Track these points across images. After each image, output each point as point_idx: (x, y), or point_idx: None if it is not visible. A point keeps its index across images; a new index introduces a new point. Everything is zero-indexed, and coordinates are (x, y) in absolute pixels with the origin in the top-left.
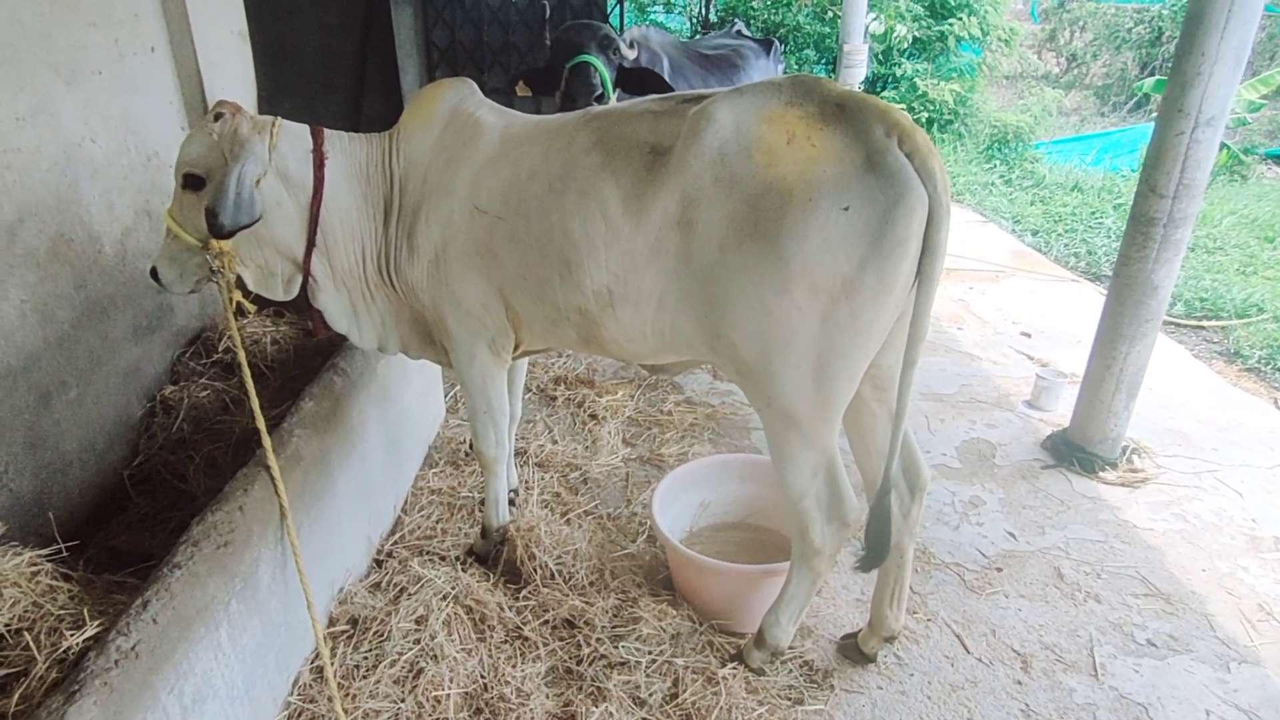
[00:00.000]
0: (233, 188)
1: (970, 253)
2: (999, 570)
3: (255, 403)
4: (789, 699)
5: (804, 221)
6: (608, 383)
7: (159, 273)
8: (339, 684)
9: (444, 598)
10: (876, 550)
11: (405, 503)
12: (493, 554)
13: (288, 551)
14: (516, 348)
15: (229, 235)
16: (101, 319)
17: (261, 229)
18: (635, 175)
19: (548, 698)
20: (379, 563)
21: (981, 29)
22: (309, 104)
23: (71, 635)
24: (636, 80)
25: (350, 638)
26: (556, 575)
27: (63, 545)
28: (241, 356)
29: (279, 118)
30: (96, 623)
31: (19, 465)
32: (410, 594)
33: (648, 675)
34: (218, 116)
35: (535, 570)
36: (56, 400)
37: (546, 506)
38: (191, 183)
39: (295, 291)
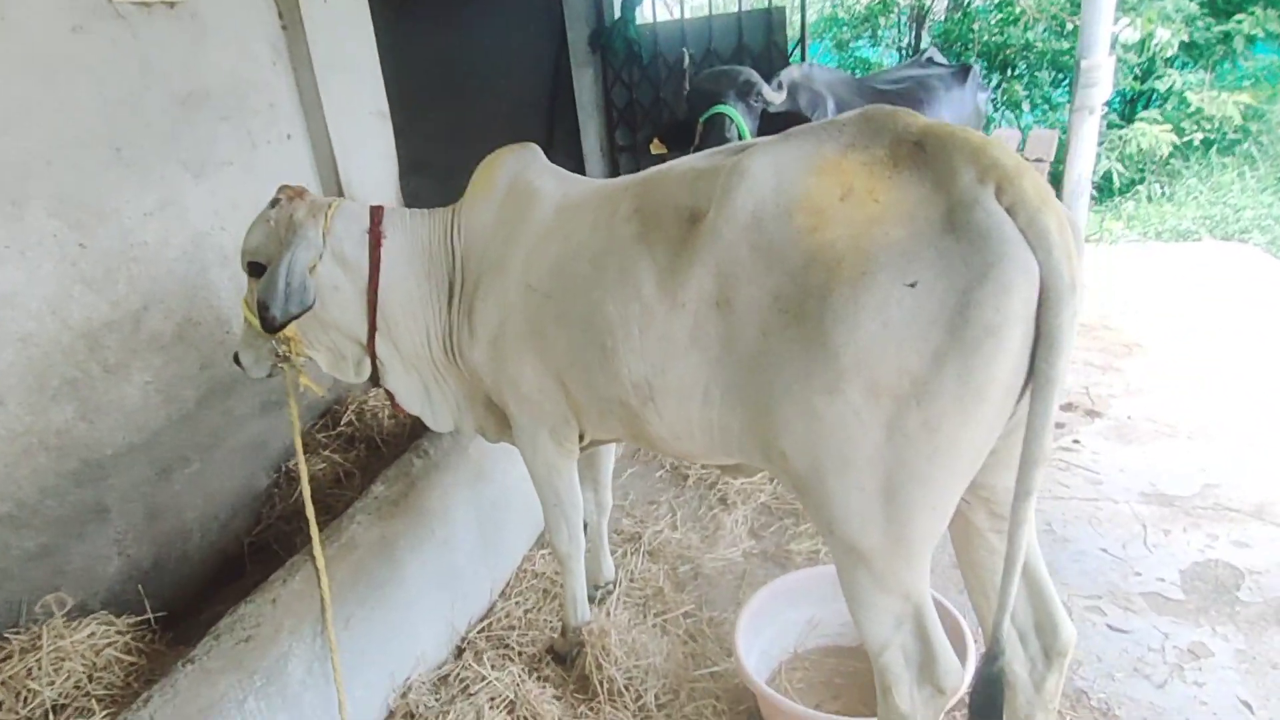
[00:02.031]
0: (283, 278)
1: (1252, 301)
2: None
3: (306, 490)
4: None
5: (855, 302)
6: None
7: (240, 358)
8: None
9: (498, 703)
10: None
11: (507, 586)
12: (571, 655)
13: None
14: (582, 437)
15: (281, 326)
16: (226, 396)
17: (322, 313)
18: (670, 247)
19: None
20: (460, 651)
21: None
22: None
23: None
24: (784, 126)
25: None
26: (625, 691)
27: (152, 615)
28: (298, 443)
29: (340, 198)
30: (106, 713)
31: (137, 534)
32: (470, 694)
33: None
34: (274, 202)
35: (602, 683)
36: (177, 473)
37: (641, 605)
38: (255, 270)
39: (367, 374)
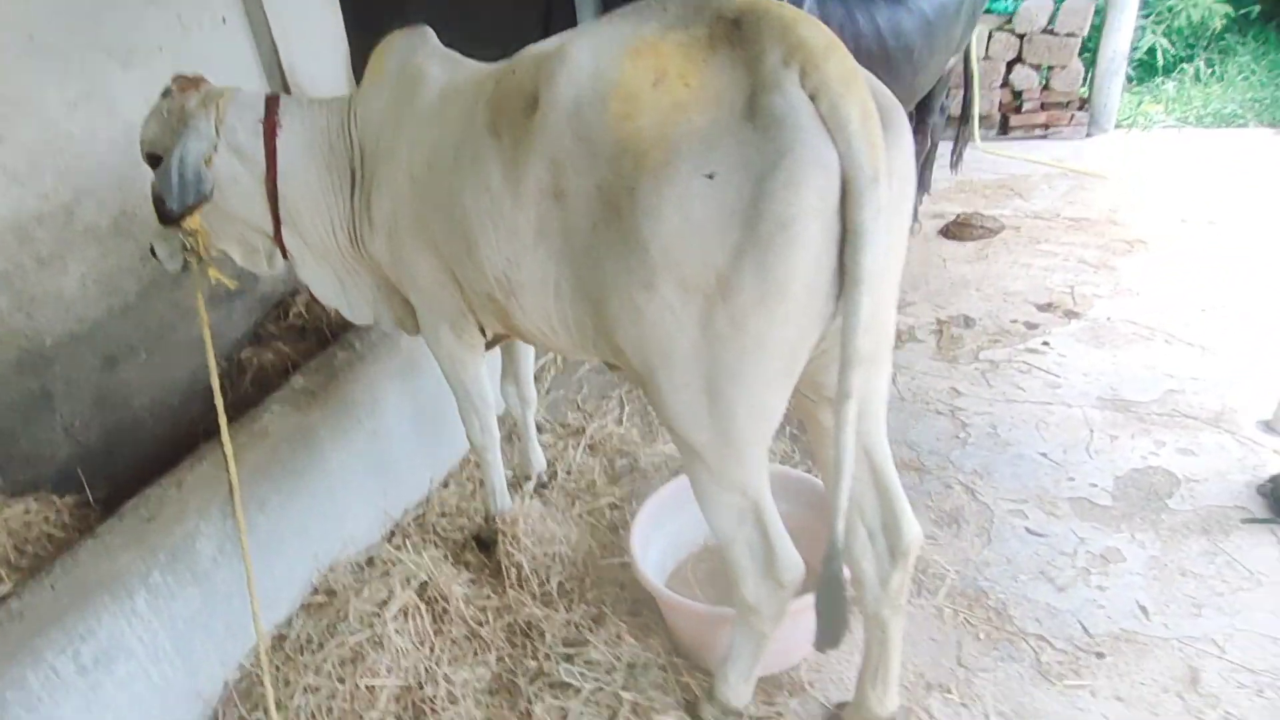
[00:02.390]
0: (175, 170)
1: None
2: (1099, 657)
3: (215, 381)
4: None
5: (659, 194)
6: None
7: (155, 250)
8: (289, 655)
9: (411, 583)
10: (828, 626)
11: (448, 476)
12: (491, 541)
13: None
14: (485, 332)
15: (179, 219)
16: (173, 288)
17: (224, 205)
18: (514, 136)
19: (476, 706)
20: (392, 535)
21: None
22: None
23: None
24: None
25: (321, 609)
26: (532, 576)
27: (92, 496)
28: (206, 335)
29: (234, 87)
30: (14, 581)
31: (85, 420)
32: (388, 574)
33: (584, 704)
34: (166, 92)
35: (509, 569)
36: (124, 363)
37: (573, 496)
38: (154, 162)
39: (280, 266)
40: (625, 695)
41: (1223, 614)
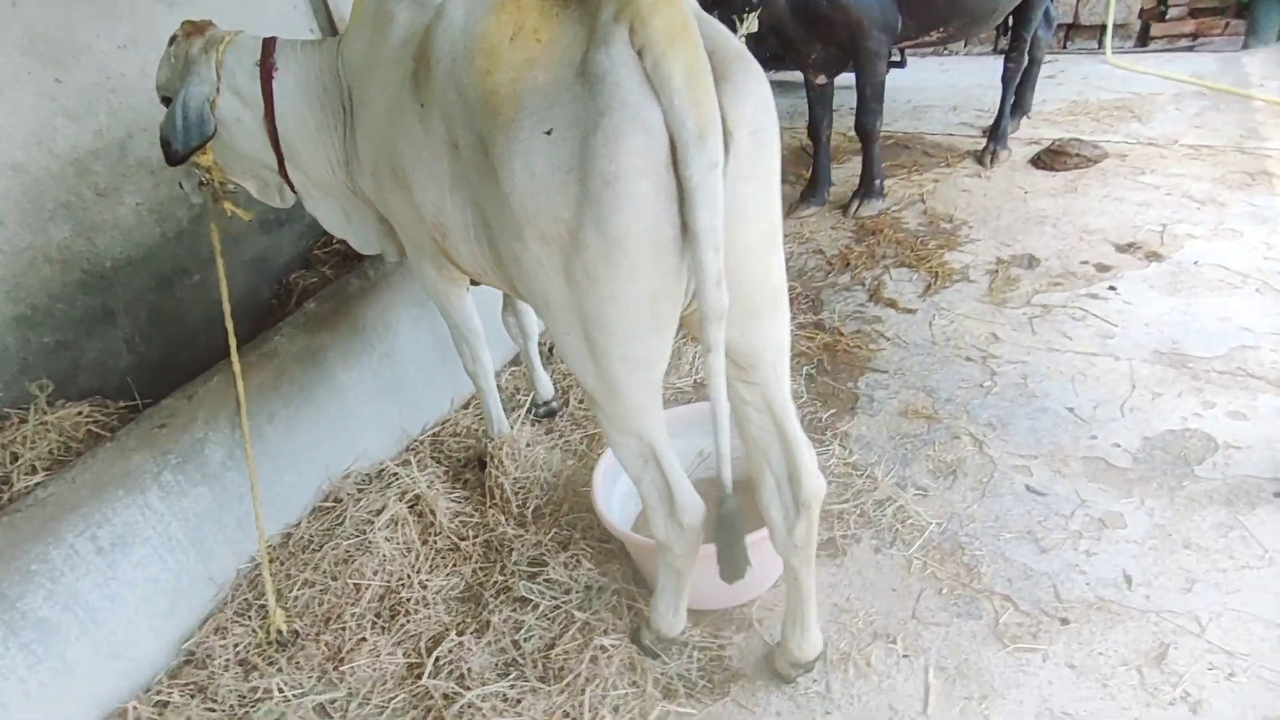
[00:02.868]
0: (179, 113)
1: None
2: (1064, 623)
3: (226, 305)
4: (665, 690)
5: (509, 149)
6: None
7: (183, 184)
8: (293, 552)
9: (406, 496)
10: (727, 562)
11: (472, 398)
12: (486, 463)
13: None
14: None
15: (184, 159)
16: (221, 215)
17: (231, 143)
18: (425, 87)
19: (445, 612)
20: (407, 451)
21: None
22: None
23: (25, 479)
24: None
25: (326, 514)
26: (513, 497)
27: (140, 401)
28: (220, 263)
29: (237, 32)
30: (46, 473)
31: (144, 335)
32: (388, 487)
33: (538, 619)
34: (173, 39)
35: (495, 489)
36: (178, 284)
37: (579, 424)
38: (168, 104)
39: (291, 200)
40: (578, 614)
41: (1217, 591)
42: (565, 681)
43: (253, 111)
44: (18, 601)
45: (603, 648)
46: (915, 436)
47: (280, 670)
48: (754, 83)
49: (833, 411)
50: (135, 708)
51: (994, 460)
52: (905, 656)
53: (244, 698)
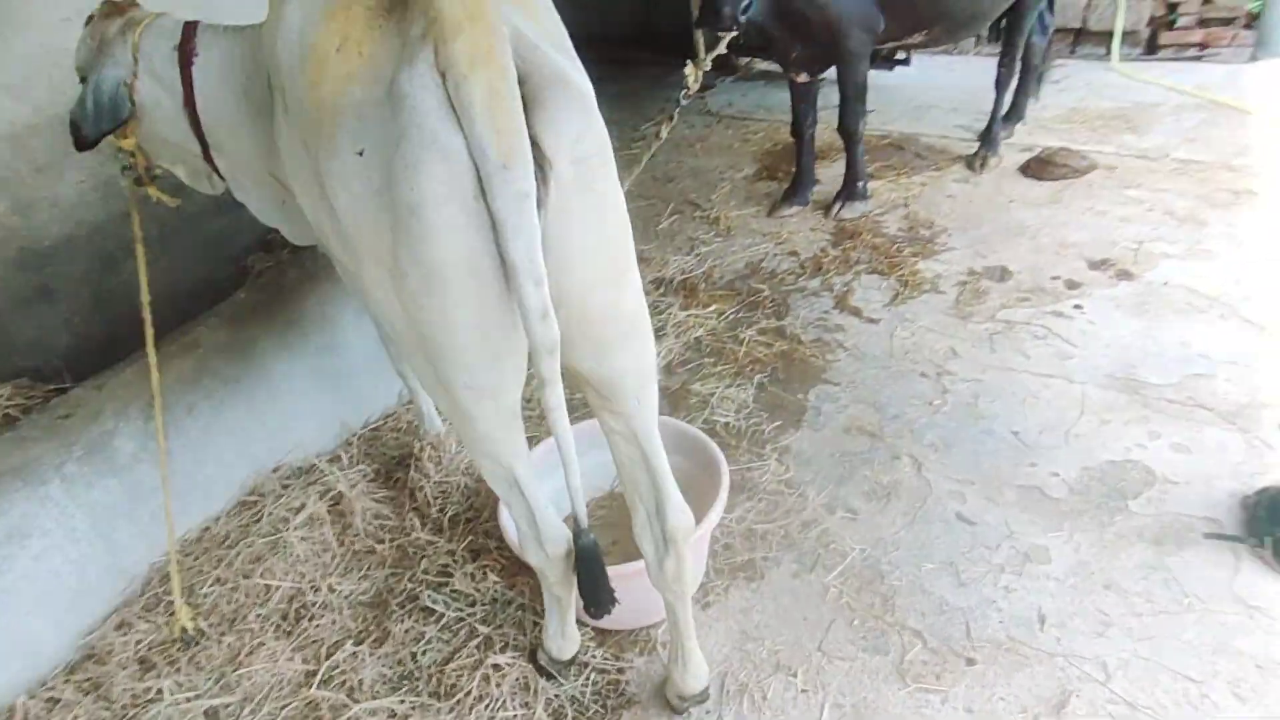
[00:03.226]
0: (89, 97)
1: None
2: (969, 663)
3: (145, 296)
4: (554, 713)
5: (329, 169)
6: (716, 291)
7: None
8: (208, 548)
9: (327, 494)
10: (590, 596)
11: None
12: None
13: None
14: None
15: (94, 143)
16: (176, 194)
17: (153, 129)
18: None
19: (350, 619)
20: (347, 445)
21: None
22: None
23: None
24: None
25: (246, 509)
26: (432, 502)
27: (70, 385)
28: (139, 250)
29: (156, 13)
30: None
31: (85, 316)
32: (312, 482)
33: (440, 630)
34: (89, 19)
35: (415, 491)
36: (124, 264)
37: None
38: None
39: (223, 187)
40: (481, 628)
41: (1129, 637)
42: (455, 699)
43: (172, 97)
44: None
45: (496, 665)
46: (856, 455)
47: (179, 670)
48: (575, 109)
49: (777, 424)
50: (25, 704)
51: (930, 484)
52: (804, 691)
53: (137, 697)
